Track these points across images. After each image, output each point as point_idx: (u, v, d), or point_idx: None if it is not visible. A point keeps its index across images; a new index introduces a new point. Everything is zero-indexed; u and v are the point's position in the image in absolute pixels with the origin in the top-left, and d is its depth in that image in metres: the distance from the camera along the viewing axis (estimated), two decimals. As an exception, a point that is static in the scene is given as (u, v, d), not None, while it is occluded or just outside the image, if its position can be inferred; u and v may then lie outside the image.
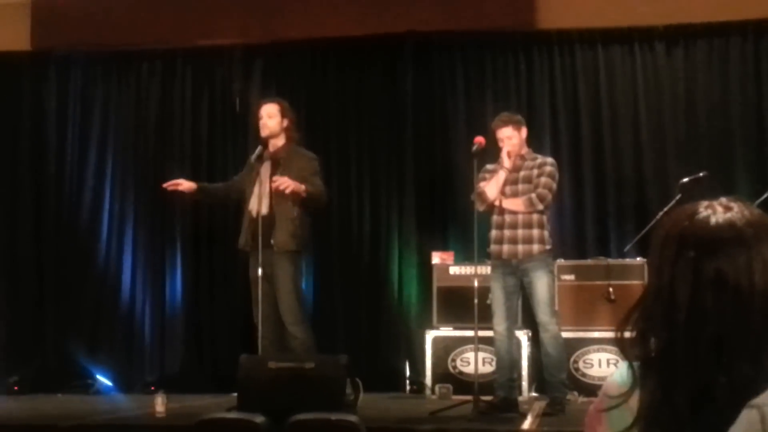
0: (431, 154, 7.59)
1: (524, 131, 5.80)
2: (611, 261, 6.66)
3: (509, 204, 5.67)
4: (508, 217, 5.67)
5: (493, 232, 5.73)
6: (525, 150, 5.81)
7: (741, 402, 1.15)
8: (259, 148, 5.93)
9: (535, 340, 6.23)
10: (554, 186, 5.70)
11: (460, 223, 7.14)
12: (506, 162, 5.69)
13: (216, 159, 7.84)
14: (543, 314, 5.57)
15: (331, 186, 7.20)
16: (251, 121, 6.51)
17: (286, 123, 6.01)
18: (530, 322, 6.11)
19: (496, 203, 5.69)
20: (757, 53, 7.19)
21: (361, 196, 7.64)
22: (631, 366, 1.32)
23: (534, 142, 6.05)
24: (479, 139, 5.76)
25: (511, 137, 5.70)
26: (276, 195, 5.85)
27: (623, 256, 6.65)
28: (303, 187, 5.79)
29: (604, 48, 7.41)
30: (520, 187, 5.69)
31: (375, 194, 7.64)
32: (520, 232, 5.63)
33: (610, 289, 6.46)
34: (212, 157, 7.87)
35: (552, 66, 7.49)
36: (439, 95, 7.62)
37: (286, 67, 7.89)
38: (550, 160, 5.81)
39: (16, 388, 7.22)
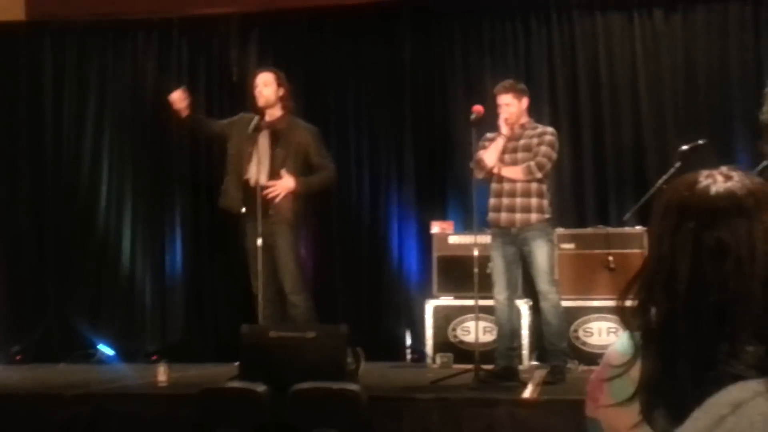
0: (430, 123, 7.57)
1: (525, 101, 5.78)
2: (611, 229, 6.65)
3: (508, 172, 5.66)
4: (506, 185, 5.66)
5: (492, 200, 5.72)
6: (525, 119, 5.79)
7: (742, 371, 1.16)
8: (255, 118, 5.91)
9: (536, 309, 6.25)
10: (554, 155, 5.69)
11: (460, 192, 7.13)
12: (504, 129, 5.67)
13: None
14: (543, 283, 5.58)
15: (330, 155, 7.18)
16: (248, 90, 6.49)
17: (281, 92, 5.99)
18: (531, 291, 6.13)
19: (495, 171, 5.68)
20: (756, 19, 7.14)
21: (360, 166, 7.63)
22: (632, 336, 1.32)
23: (532, 110, 6.03)
24: (477, 108, 5.74)
25: (510, 104, 5.68)
26: (276, 165, 5.84)
27: (623, 224, 6.64)
28: (292, 182, 5.77)
29: (602, 15, 7.37)
30: (520, 155, 5.68)
31: (374, 163, 7.63)
32: (519, 200, 5.63)
33: (610, 258, 6.46)
34: (210, 126, 7.83)
35: (550, 33, 7.44)
36: (438, 63, 7.59)
37: (283, 35, 7.84)
38: (550, 129, 5.79)
39: (18, 357, 7.27)
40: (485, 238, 5.93)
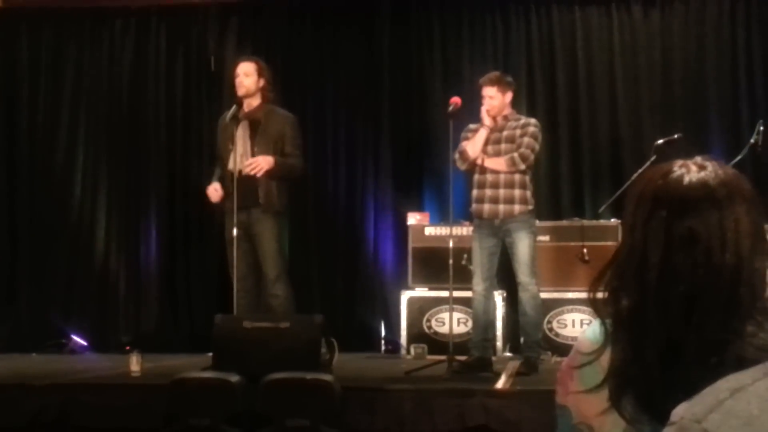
0: (407, 114, 7.57)
1: (509, 95, 5.77)
2: (586, 222, 6.69)
3: (491, 163, 5.66)
4: (489, 177, 5.66)
5: (475, 192, 5.71)
6: (508, 111, 5.79)
7: (710, 360, 1.16)
8: (233, 108, 5.87)
9: (510, 301, 6.26)
10: (537, 147, 5.69)
11: (436, 184, 7.15)
12: (486, 120, 5.68)
13: (191, 117, 7.79)
14: (524, 274, 5.58)
15: (307, 145, 7.16)
16: (226, 79, 6.45)
17: (262, 83, 5.93)
18: (506, 282, 6.14)
19: (478, 162, 5.68)
20: (732, 16, 7.20)
21: (337, 156, 7.62)
22: (603, 323, 1.33)
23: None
24: (455, 100, 5.74)
25: (493, 97, 5.68)
26: (256, 154, 5.81)
27: (598, 217, 6.68)
28: (272, 159, 5.77)
29: (580, 9, 7.40)
30: (503, 146, 5.68)
31: (351, 154, 7.62)
32: (502, 191, 5.63)
33: (585, 250, 6.48)
34: (187, 115, 7.81)
35: (529, 26, 7.47)
36: (416, 54, 7.59)
37: (262, 24, 7.81)
38: (533, 121, 5.79)
39: (-11, 347, 7.20)
40: (461, 230, 5.94)
